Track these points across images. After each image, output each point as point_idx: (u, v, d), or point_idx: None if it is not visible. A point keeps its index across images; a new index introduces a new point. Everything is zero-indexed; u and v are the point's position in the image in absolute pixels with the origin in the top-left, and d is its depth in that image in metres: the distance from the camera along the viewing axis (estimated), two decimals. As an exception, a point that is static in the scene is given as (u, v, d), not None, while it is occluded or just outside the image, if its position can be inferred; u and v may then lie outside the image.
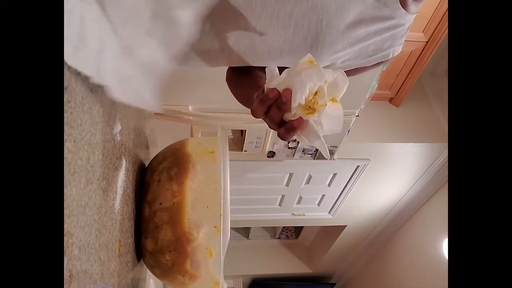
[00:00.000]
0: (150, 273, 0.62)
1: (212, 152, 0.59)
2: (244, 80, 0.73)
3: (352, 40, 0.67)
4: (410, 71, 2.04)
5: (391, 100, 2.28)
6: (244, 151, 1.86)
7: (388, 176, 2.40)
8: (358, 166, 2.24)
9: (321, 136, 0.46)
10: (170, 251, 0.54)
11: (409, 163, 2.32)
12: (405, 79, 2.09)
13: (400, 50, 0.73)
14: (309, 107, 0.46)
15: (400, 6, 0.64)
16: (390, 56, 0.72)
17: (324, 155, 0.48)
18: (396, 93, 2.20)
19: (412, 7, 0.66)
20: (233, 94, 0.79)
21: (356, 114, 1.66)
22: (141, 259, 0.60)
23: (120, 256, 0.47)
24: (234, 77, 0.78)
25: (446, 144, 2.15)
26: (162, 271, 0.57)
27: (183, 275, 0.55)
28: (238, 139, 1.88)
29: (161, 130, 0.93)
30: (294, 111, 0.46)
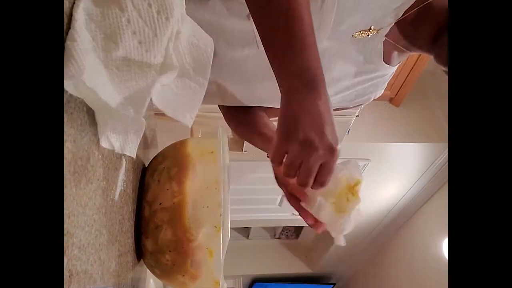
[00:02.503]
0: (150, 273, 0.62)
1: (212, 152, 0.59)
2: (243, 118, 0.78)
3: (336, 90, 0.69)
4: (410, 71, 2.04)
5: (391, 100, 2.28)
6: (244, 151, 1.85)
7: (388, 176, 2.40)
8: (358, 166, 2.23)
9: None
10: (170, 251, 0.54)
11: (409, 163, 2.31)
12: (405, 79, 2.09)
13: (382, 93, 0.74)
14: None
15: (384, 62, 0.65)
16: (371, 100, 0.74)
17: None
18: (396, 93, 2.20)
19: (396, 61, 0.67)
20: (235, 132, 0.84)
21: (356, 114, 1.66)
22: (141, 259, 0.60)
23: (120, 256, 0.47)
24: (231, 114, 0.81)
25: (446, 144, 2.15)
26: (162, 271, 0.57)
27: (183, 275, 0.55)
28: (238, 139, 1.88)
29: (161, 130, 0.93)
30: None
